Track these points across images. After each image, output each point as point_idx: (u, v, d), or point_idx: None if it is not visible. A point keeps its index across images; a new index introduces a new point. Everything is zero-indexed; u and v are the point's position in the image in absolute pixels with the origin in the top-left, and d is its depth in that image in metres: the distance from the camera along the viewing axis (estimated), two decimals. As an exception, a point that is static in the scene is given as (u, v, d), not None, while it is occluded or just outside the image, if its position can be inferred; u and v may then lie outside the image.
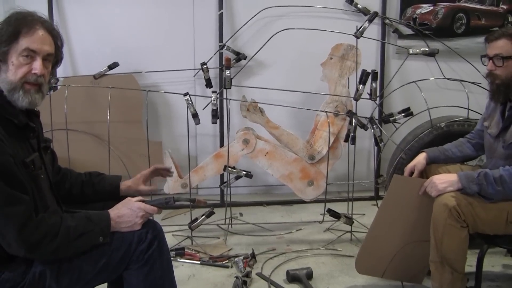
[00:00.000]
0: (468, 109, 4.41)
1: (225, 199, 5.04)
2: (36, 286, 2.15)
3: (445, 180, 2.96)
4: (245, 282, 3.46)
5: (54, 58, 2.33)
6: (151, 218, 2.44)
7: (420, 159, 3.41)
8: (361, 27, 4.48)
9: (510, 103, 3.08)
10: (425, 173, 3.36)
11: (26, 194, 2.09)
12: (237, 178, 4.59)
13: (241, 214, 4.95)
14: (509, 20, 5.57)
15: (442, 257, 2.92)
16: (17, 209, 2.03)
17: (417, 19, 5.48)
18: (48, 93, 4.61)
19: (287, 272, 3.66)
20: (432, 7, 5.48)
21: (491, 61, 3.06)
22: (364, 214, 4.83)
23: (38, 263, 2.16)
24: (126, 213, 2.31)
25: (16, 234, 2.03)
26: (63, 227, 2.13)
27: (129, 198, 2.41)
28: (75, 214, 2.30)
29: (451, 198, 2.87)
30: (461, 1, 5.53)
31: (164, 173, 2.92)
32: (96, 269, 2.23)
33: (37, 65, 2.19)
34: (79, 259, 2.21)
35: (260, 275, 3.72)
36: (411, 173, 3.41)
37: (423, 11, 5.48)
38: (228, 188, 4.68)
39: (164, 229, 4.10)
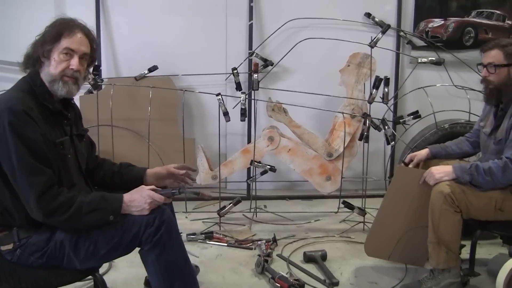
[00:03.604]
0: (470, 112, 4.75)
1: (251, 192, 5.35)
2: (57, 253, 2.45)
3: (441, 171, 3.30)
4: (266, 261, 3.76)
5: (90, 58, 2.65)
6: (166, 206, 2.67)
7: (422, 152, 3.76)
8: (375, 38, 4.81)
9: (502, 105, 3.39)
10: (427, 167, 3.61)
11: (50, 168, 2.40)
12: (263, 173, 4.92)
13: (265, 206, 5.22)
14: None
15: (439, 238, 3.24)
16: (39, 179, 2.33)
17: (429, 32, 5.75)
18: (94, 91, 5.06)
19: (304, 253, 3.99)
20: (443, 22, 5.76)
21: (485, 68, 3.39)
22: (377, 209, 5.09)
23: (59, 233, 2.46)
24: (137, 198, 2.53)
25: (36, 200, 2.32)
26: (78, 201, 2.40)
27: (142, 186, 2.64)
28: (93, 192, 2.65)
29: (446, 186, 3.21)
30: (470, 16, 5.79)
31: (187, 175, 3.09)
32: (109, 246, 2.48)
33: (74, 62, 2.52)
34: (95, 235, 2.47)
35: (280, 256, 4.04)
36: (411, 161, 3.76)
37: (434, 25, 5.76)
38: (254, 183, 5.02)
39: (195, 216, 4.66)
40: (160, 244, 2.51)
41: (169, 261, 2.56)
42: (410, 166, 3.79)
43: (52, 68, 2.51)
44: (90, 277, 2.75)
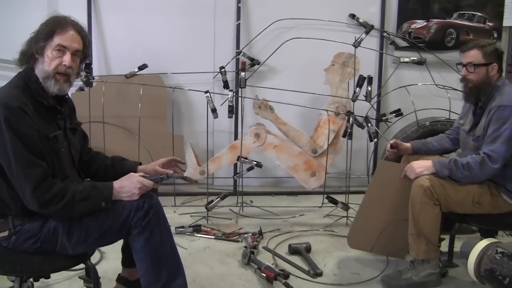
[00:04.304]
0: (450, 111, 4.88)
1: (237, 188, 5.43)
2: (50, 239, 2.55)
3: (421, 165, 3.44)
4: (252, 252, 3.87)
5: (82, 54, 2.71)
6: (154, 192, 2.76)
7: (406, 144, 3.90)
8: (359, 38, 4.89)
9: (480, 103, 3.50)
10: (407, 162, 3.69)
11: (44, 161, 2.49)
12: (249, 169, 5.02)
13: (251, 201, 5.33)
14: (494, 36, 5.94)
15: (418, 230, 3.37)
16: (34, 172, 2.43)
17: (412, 33, 5.85)
18: (85, 89, 5.14)
19: (289, 245, 4.11)
20: (425, 23, 5.87)
21: (464, 68, 3.51)
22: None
23: (52, 220, 2.55)
24: (127, 185, 2.62)
25: (31, 192, 2.41)
26: (71, 191, 2.49)
27: (132, 173, 2.72)
28: (84, 182, 2.73)
29: (426, 180, 3.34)
30: (452, 18, 5.91)
31: (177, 169, 3.16)
32: (101, 231, 2.58)
33: (67, 59, 2.59)
34: (87, 220, 2.57)
35: (266, 248, 4.17)
36: (391, 146, 3.90)
37: (417, 26, 5.86)
38: (241, 179, 5.13)
39: (183, 210, 4.74)
40: (149, 227, 2.60)
41: (157, 247, 2.64)
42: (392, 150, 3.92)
43: (45, 64, 2.59)
44: (82, 266, 2.82)
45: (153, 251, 2.64)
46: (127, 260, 3.02)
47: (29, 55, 2.62)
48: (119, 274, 3.17)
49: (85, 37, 2.73)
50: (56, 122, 2.71)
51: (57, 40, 2.58)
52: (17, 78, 2.64)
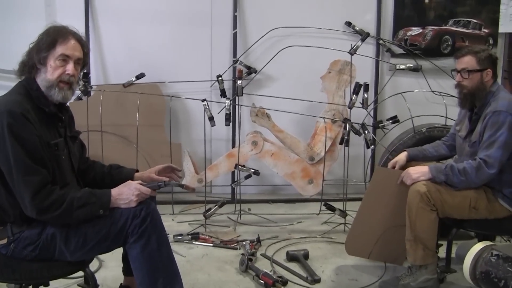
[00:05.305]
0: (446, 117, 4.90)
1: (235, 196, 5.45)
2: (48, 245, 2.57)
3: (418, 171, 3.44)
4: (250, 259, 3.88)
5: (82, 62, 2.77)
6: (152, 200, 2.79)
7: (401, 156, 3.86)
8: (354, 45, 4.90)
9: (476, 109, 3.52)
10: (404, 168, 3.69)
11: (45, 168, 2.52)
12: (247, 177, 5.04)
13: (249, 209, 5.34)
14: (490, 42, 5.97)
15: (416, 236, 3.37)
16: (34, 179, 2.46)
17: (408, 40, 5.88)
18: (83, 98, 5.15)
19: (287, 252, 4.12)
20: (421, 30, 5.89)
21: (459, 74, 3.52)
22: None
23: (50, 226, 2.57)
24: (125, 191, 2.65)
25: (31, 198, 2.44)
26: (69, 197, 2.52)
27: (129, 181, 2.75)
28: (83, 189, 2.75)
29: (423, 185, 3.34)
30: (447, 25, 5.93)
31: (174, 176, 3.18)
32: (98, 237, 2.60)
33: (70, 67, 2.64)
34: (85, 227, 2.59)
35: (264, 255, 4.18)
36: (393, 167, 3.85)
37: (413, 33, 5.89)
38: (238, 186, 5.15)
39: (181, 218, 4.74)
40: (146, 235, 2.62)
41: (153, 254, 2.65)
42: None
43: (49, 74, 2.63)
44: (81, 274, 2.84)
45: (149, 258, 2.65)
46: (128, 268, 3.00)
47: (31, 66, 2.65)
48: (121, 284, 3.19)
49: (85, 45, 2.78)
50: (57, 130, 2.75)
51: (59, 49, 2.62)
52: (18, 86, 2.68)
